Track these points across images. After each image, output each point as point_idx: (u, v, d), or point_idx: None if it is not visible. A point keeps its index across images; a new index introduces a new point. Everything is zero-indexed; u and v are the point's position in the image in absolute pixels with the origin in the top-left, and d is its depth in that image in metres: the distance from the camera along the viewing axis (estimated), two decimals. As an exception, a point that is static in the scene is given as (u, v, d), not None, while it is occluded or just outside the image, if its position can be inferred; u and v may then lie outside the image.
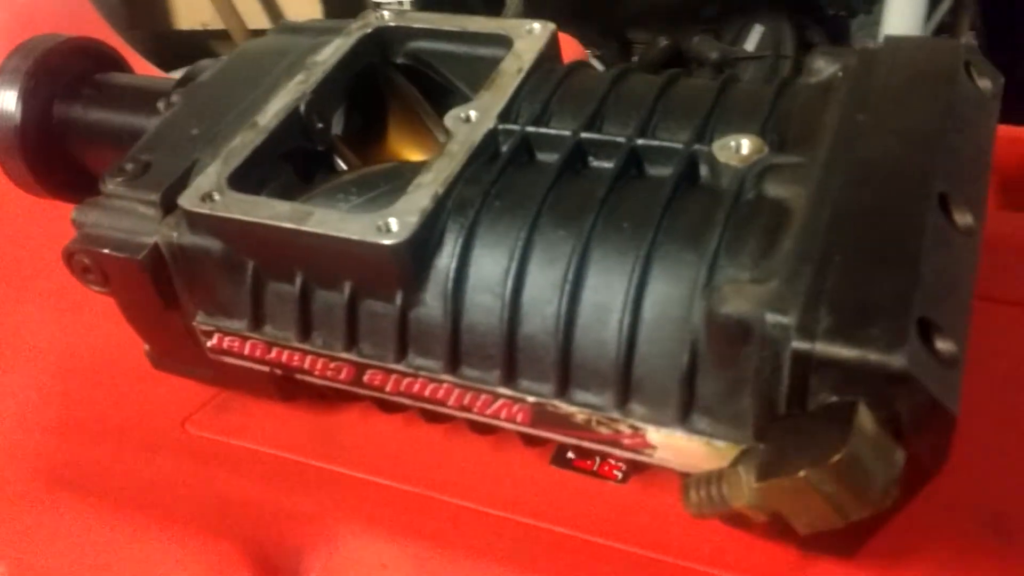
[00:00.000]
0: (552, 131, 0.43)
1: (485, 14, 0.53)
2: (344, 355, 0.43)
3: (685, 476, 0.36)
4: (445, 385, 0.41)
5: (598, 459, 0.46)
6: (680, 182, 0.40)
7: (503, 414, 0.41)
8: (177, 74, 0.56)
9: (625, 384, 0.38)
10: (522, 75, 0.46)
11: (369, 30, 0.51)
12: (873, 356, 0.30)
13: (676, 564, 0.42)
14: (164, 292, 0.45)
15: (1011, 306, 0.51)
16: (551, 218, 0.39)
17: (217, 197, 0.42)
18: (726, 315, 0.34)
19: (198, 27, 1.70)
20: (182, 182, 0.44)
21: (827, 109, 0.41)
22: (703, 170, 0.41)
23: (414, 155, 0.52)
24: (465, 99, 0.47)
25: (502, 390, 0.40)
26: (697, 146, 0.41)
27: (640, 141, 0.42)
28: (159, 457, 0.50)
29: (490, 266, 0.39)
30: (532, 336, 0.39)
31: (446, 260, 0.40)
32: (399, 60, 0.52)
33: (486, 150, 0.43)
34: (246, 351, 0.45)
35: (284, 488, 0.47)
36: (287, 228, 0.40)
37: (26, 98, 0.54)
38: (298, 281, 0.43)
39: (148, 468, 0.50)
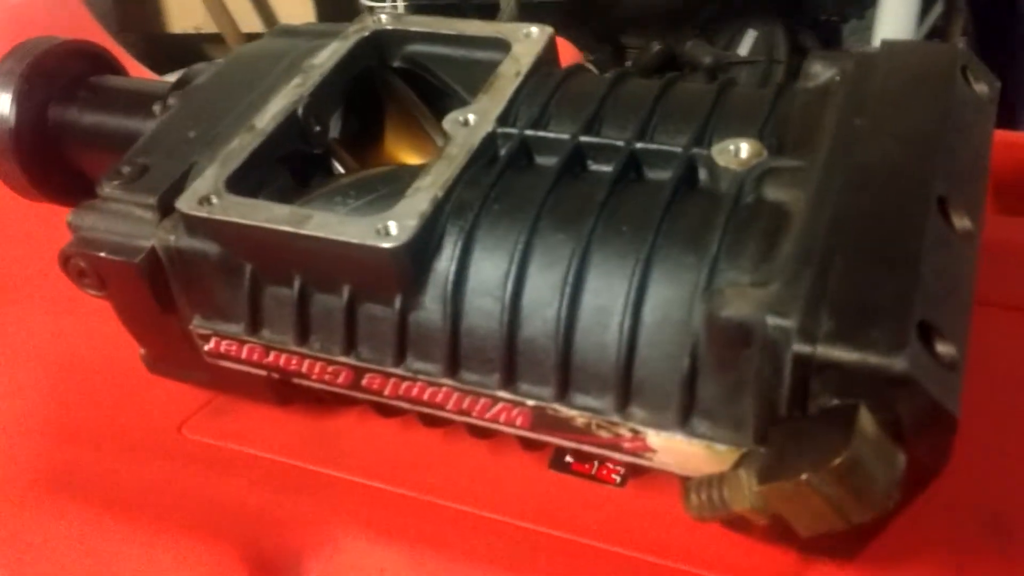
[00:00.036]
0: (551, 134, 0.43)
1: (478, 19, 0.53)
2: (342, 359, 0.43)
3: (686, 480, 0.36)
4: (444, 389, 0.41)
5: (596, 463, 0.46)
6: (679, 185, 0.40)
7: (502, 418, 0.41)
8: (172, 77, 0.56)
9: (625, 387, 0.38)
10: (520, 78, 0.46)
11: (366, 33, 0.51)
12: (874, 359, 0.30)
13: (674, 567, 0.42)
14: (161, 296, 0.45)
15: (1003, 310, 0.51)
16: (551, 221, 0.39)
17: (215, 200, 0.42)
18: (727, 318, 0.34)
19: (190, 30, 1.70)
20: (179, 185, 0.44)
21: (825, 113, 0.41)
22: (702, 174, 0.41)
23: (411, 158, 0.52)
24: (462, 103, 0.47)
25: (502, 394, 0.40)
26: (696, 150, 0.41)
27: (639, 145, 0.42)
28: (155, 461, 0.50)
29: (490, 269, 0.39)
30: (532, 339, 0.39)
31: (445, 263, 0.40)
32: (396, 63, 0.52)
33: (485, 153, 0.43)
34: (243, 355, 0.45)
35: (281, 492, 0.47)
36: (286, 231, 0.40)
37: (21, 100, 0.54)
38: (296, 284, 0.42)
39: (144, 473, 0.49)
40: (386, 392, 0.43)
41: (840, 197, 0.36)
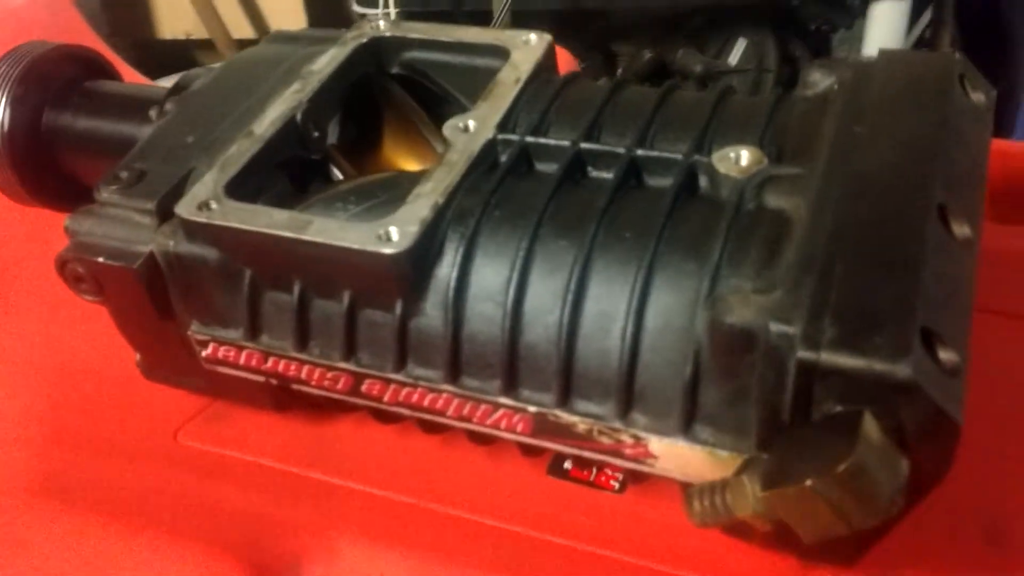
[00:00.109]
0: (551, 141, 0.43)
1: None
2: (342, 365, 0.43)
3: (688, 486, 0.36)
4: (445, 395, 0.41)
5: (595, 469, 0.46)
6: (681, 192, 0.40)
7: (503, 424, 0.41)
8: (167, 82, 0.55)
9: (627, 394, 0.38)
10: (520, 85, 0.46)
11: (364, 40, 0.51)
12: (878, 366, 0.31)
13: (673, 573, 0.42)
14: (159, 301, 0.45)
15: (996, 316, 0.52)
16: (552, 228, 0.39)
17: (214, 206, 0.42)
18: (730, 325, 0.34)
19: (181, 36, 1.69)
20: (178, 190, 0.44)
21: (824, 121, 0.41)
22: (703, 181, 0.41)
23: (409, 164, 0.52)
24: (461, 109, 0.47)
25: (503, 400, 0.40)
26: (696, 157, 0.41)
27: (639, 152, 0.42)
28: (151, 468, 0.49)
29: (491, 275, 0.39)
30: (534, 345, 0.39)
31: (446, 269, 0.40)
32: (394, 70, 0.52)
33: (485, 160, 0.43)
34: (242, 361, 0.45)
35: (279, 499, 0.47)
36: (286, 237, 0.40)
37: (14, 105, 0.54)
38: (296, 290, 0.42)
39: (140, 479, 0.49)
40: (386, 398, 0.43)
41: (840, 204, 0.36)
